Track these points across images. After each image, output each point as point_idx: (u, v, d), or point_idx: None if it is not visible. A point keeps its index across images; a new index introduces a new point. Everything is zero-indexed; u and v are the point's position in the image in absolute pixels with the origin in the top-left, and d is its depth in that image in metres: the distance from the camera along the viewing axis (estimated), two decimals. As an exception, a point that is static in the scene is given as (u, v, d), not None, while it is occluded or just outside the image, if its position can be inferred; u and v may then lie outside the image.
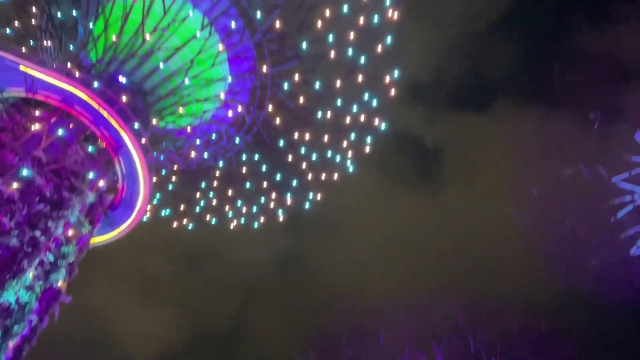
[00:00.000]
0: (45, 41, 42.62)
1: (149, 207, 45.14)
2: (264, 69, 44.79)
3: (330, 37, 43.14)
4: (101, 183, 37.53)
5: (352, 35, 42.97)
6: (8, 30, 45.75)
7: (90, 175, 35.89)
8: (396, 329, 62.29)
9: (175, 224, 54.54)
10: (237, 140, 48.27)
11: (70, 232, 35.08)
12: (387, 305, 64.94)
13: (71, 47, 41.10)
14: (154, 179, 44.98)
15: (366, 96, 45.90)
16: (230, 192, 52.29)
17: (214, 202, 53.33)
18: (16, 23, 45.24)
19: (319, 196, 51.83)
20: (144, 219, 45.85)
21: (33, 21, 44.03)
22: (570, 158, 43.09)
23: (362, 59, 43.99)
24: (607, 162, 39.05)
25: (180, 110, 43.16)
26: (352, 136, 48.22)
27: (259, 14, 42.69)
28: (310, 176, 50.86)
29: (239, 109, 46.57)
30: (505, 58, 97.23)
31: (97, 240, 41.43)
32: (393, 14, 42.58)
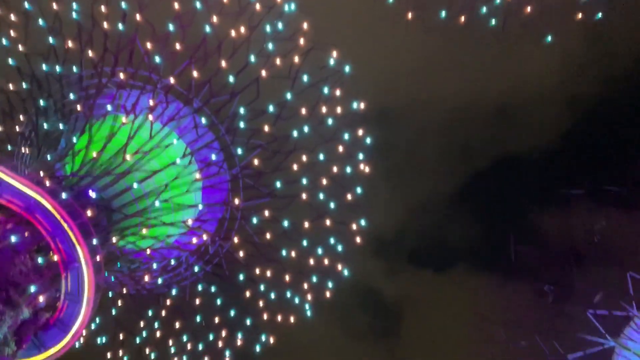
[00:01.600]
0: (23, 148, 42.77)
1: (85, 331, 41.38)
2: (236, 201, 45.65)
3: (304, 180, 45.23)
4: (41, 299, 34.63)
5: (324, 181, 45.30)
6: (-13, 134, 46.04)
7: (32, 289, 33.26)
8: None
9: (109, 355, 49.57)
10: (197, 269, 46.80)
11: (-10, 352, 31.13)
12: None
13: (48, 158, 41.24)
14: (98, 301, 42.04)
15: (332, 240, 46.63)
16: (177, 325, 49.00)
17: (158, 333, 49.59)
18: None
19: (271, 340, 49.02)
20: (77, 345, 41.65)
21: (17, 128, 44.71)
22: (526, 329, 43.37)
23: (332, 205, 45.69)
24: (563, 337, 39.39)
25: (144, 231, 42.26)
26: (314, 279, 47.76)
27: (240, 151, 44.88)
28: (265, 316, 48.85)
29: (204, 237, 46.09)
30: (464, 226, 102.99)
31: (18, 364, 36.68)
32: (365, 167, 45.63)
